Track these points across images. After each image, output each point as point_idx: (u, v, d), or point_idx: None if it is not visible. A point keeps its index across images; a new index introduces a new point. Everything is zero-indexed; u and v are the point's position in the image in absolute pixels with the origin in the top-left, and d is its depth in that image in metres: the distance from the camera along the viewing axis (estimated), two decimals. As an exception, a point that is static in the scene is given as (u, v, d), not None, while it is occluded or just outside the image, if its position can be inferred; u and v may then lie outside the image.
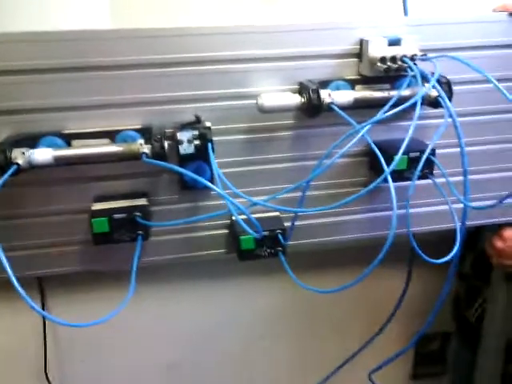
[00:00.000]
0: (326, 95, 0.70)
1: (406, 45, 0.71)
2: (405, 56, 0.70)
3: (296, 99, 0.71)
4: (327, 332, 1.15)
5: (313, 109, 0.70)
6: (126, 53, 0.69)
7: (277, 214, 0.81)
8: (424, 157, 0.67)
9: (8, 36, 0.66)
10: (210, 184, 0.65)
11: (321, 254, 1.00)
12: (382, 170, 0.64)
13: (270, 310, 1.10)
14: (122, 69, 0.70)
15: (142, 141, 0.68)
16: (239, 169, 0.78)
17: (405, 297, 1.05)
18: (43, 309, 0.94)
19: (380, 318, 1.07)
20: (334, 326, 1.15)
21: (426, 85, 0.68)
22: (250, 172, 0.79)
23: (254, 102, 0.71)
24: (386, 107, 0.65)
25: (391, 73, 0.71)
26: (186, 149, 0.68)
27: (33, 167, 0.65)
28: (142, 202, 0.73)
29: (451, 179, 0.76)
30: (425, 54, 0.70)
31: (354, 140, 0.64)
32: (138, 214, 0.70)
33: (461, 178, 0.70)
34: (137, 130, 0.71)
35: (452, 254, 0.71)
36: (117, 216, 0.70)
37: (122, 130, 0.71)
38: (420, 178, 0.74)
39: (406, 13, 0.88)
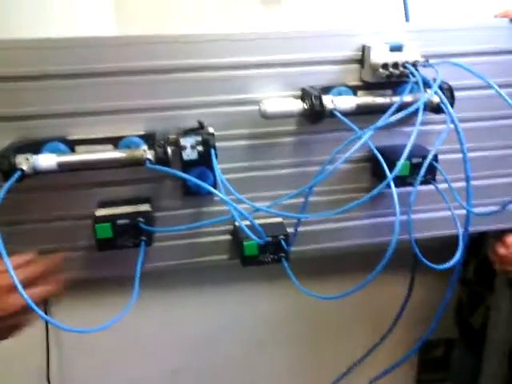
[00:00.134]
0: (328, 101, 0.70)
1: (408, 51, 0.72)
2: (407, 62, 0.70)
3: (298, 105, 0.71)
4: (330, 338, 1.15)
5: (315, 115, 0.70)
6: (129, 59, 0.70)
7: (280, 219, 0.80)
8: (426, 162, 0.67)
9: (12, 43, 0.67)
10: (213, 190, 0.66)
11: (323, 259, 1.00)
12: (384, 176, 0.64)
13: (273, 316, 1.10)
14: (126, 75, 0.70)
15: (145, 147, 0.68)
16: (242, 174, 0.78)
17: (408, 303, 1.04)
18: (46, 314, 0.93)
19: (383, 325, 1.07)
20: (336, 332, 1.14)
21: (428, 91, 0.68)
22: (252, 178, 0.79)
23: (257, 107, 0.72)
24: (388, 113, 0.65)
25: (393, 79, 0.71)
26: (189, 155, 0.68)
27: (37, 173, 0.65)
28: (146, 207, 0.73)
29: (454, 185, 0.75)
30: (427, 60, 0.71)
31: (357, 146, 0.64)
32: (141, 219, 0.70)
33: (463, 183, 0.70)
34: (140, 136, 0.71)
35: (455, 260, 0.70)
36: (120, 222, 0.69)
37: (125, 136, 0.71)
38: (422, 183, 0.74)
39: (407, 19, 0.88)
